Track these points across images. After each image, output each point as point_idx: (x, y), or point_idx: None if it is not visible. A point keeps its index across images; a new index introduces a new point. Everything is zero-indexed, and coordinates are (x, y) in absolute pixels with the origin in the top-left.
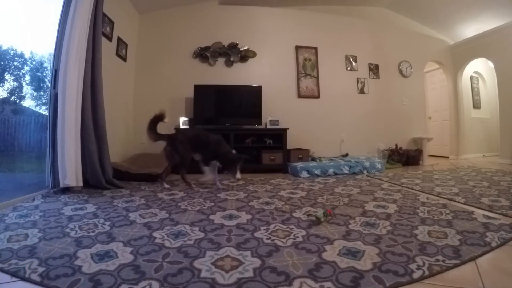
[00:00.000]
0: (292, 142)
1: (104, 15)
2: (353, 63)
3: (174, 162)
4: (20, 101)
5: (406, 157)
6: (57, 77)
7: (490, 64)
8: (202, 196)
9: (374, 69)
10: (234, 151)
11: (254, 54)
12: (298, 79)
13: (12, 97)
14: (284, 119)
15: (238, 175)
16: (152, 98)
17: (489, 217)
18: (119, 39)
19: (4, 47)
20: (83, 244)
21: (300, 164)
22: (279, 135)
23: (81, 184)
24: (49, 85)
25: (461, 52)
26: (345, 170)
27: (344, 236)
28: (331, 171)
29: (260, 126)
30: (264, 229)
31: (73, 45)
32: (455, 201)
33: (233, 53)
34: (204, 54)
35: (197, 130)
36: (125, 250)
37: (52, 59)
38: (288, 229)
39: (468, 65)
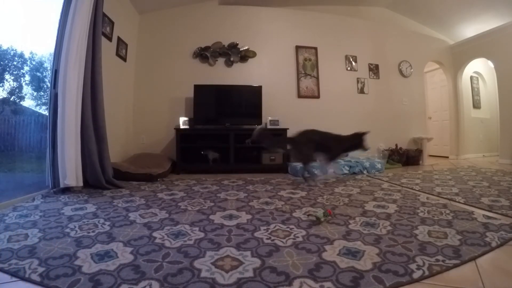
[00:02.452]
0: None
1: (104, 15)
2: (353, 63)
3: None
4: (20, 101)
5: (406, 157)
6: (57, 77)
7: (490, 64)
8: (202, 196)
9: (374, 69)
10: None
11: (254, 54)
12: (298, 79)
13: (12, 97)
14: (284, 119)
15: None
16: (152, 98)
17: (489, 217)
18: (119, 39)
19: (4, 47)
20: (83, 244)
21: (300, 164)
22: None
23: (81, 184)
24: (49, 85)
25: (461, 52)
26: (345, 170)
27: (344, 236)
28: (331, 171)
29: (260, 126)
30: (264, 229)
31: (73, 45)
32: (455, 201)
33: (233, 53)
34: (204, 54)
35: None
36: (125, 250)
37: (52, 59)
38: (288, 229)
39: (468, 65)
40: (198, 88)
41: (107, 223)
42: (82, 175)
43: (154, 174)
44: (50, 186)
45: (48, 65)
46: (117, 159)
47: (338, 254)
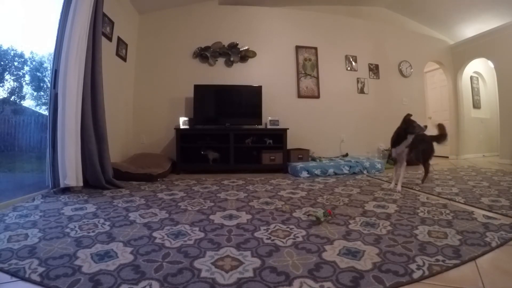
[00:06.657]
0: (292, 142)
1: (104, 15)
2: (353, 63)
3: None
4: (20, 101)
5: None
6: (57, 77)
7: (490, 64)
8: (202, 196)
9: (374, 69)
10: None
11: (254, 54)
12: (298, 79)
13: (12, 97)
14: (284, 119)
15: None
16: (152, 98)
17: (489, 217)
18: (119, 39)
19: (4, 47)
20: (83, 244)
21: (300, 164)
22: (279, 135)
23: (81, 184)
24: (49, 85)
25: (461, 52)
26: (345, 170)
27: (344, 236)
28: (331, 171)
29: (260, 126)
30: (264, 229)
31: (73, 45)
32: (455, 201)
33: (233, 53)
34: (204, 54)
35: None
36: (125, 250)
37: (52, 59)
38: (288, 229)
39: (468, 65)
40: (198, 88)
41: (107, 223)
42: (82, 175)
43: (154, 174)
44: (50, 186)
45: (48, 65)
46: (117, 159)
47: (338, 254)
